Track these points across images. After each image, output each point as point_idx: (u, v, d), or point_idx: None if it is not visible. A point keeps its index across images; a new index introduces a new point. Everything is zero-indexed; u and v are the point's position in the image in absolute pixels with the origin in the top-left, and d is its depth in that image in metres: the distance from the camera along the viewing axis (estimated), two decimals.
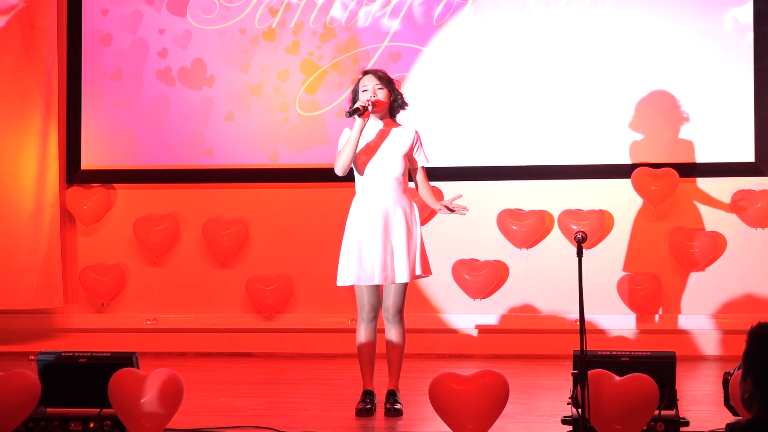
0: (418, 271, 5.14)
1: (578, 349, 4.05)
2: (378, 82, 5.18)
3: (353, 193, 5.27)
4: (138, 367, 4.58)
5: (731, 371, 4.47)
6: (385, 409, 5.15)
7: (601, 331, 6.94)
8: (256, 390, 5.97)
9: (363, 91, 5.20)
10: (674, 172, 6.89)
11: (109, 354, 4.64)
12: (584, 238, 4.19)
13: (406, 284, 5.18)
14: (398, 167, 5.18)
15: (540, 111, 7.09)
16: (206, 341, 7.29)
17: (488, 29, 7.16)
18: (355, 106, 5.08)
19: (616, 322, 6.98)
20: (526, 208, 7.08)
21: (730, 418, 4.44)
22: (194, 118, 7.38)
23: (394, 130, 5.25)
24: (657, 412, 4.25)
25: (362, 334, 5.22)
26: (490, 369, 4.49)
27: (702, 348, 6.92)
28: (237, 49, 7.36)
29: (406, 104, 5.31)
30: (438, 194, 7.05)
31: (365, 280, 5.11)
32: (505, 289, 7.09)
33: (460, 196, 5.29)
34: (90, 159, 7.46)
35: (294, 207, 7.30)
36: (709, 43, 6.98)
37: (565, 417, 4.40)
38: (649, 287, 6.87)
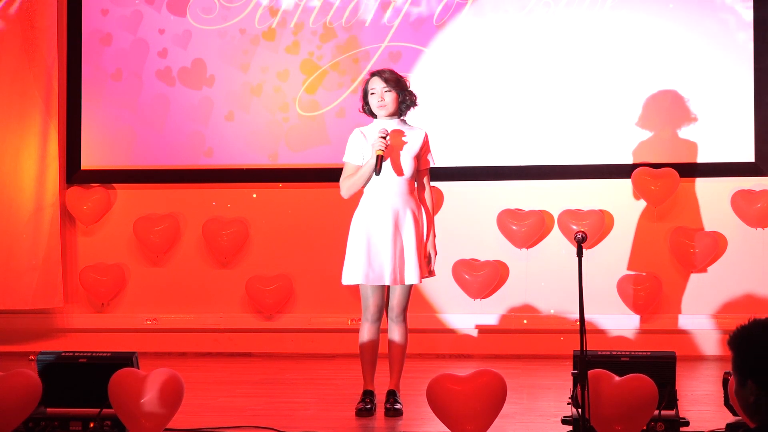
0: (425, 273, 5.18)
1: (578, 349, 4.05)
2: (385, 85, 5.18)
3: (354, 194, 5.26)
4: (138, 367, 4.58)
5: (731, 371, 4.46)
6: (385, 408, 5.15)
7: (601, 331, 6.94)
8: (256, 390, 5.97)
9: (371, 94, 5.20)
10: (674, 172, 6.89)
11: (109, 354, 4.64)
12: (584, 238, 4.19)
13: (411, 285, 5.20)
14: (408, 169, 5.19)
15: (540, 111, 7.09)
16: (206, 341, 7.29)
17: (488, 29, 7.16)
18: (377, 159, 5.04)
19: (616, 322, 6.98)
20: (526, 208, 7.08)
21: (730, 418, 4.43)
22: (194, 118, 7.38)
23: (405, 131, 5.24)
24: (657, 412, 4.25)
25: (365, 335, 5.22)
26: (487, 368, 4.48)
27: (702, 348, 6.92)
28: (237, 49, 7.36)
29: (416, 103, 5.29)
30: (438, 195, 7.07)
31: (374, 280, 5.11)
32: (505, 289, 7.09)
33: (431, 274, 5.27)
34: (90, 159, 7.46)
35: (294, 207, 7.30)
36: (709, 43, 6.98)
37: (565, 417, 4.40)
38: (649, 287, 6.87)
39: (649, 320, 6.95)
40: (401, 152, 5.19)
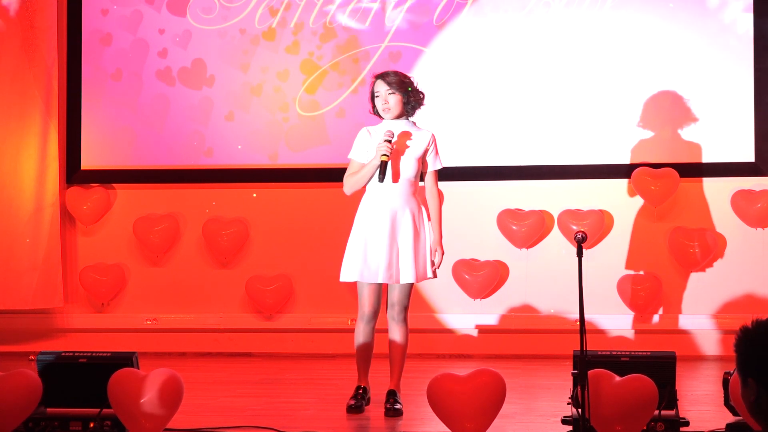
0: (429, 274, 5.20)
1: (578, 349, 4.05)
2: (389, 88, 5.19)
3: (354, 194, 5.28)
4: (138, 367, 4.57)
5: (731, 371, 4.46)
6: (385, 408, 5.16)
7: (601, 331, 6.94)
8: (256, 390, 5.97)
9: (376, 97, 5.23)
10: (674, 172, 6.89)
11: (109, 354, 4.64)
12: (584, 238, 4.19)
13: (412, 284, 5.22)
14: (411, 170, 5.21)
15: (540, 111, 7.09)
16: (206, 341, 7.29)
17: (488, 29, 7.16)
18: (380, 164, 5.07)
19: (616, 322, 6.99)
20: (526, 208, 7.08)
21: (730, 418, 4.43)
22: (194, 118, 7.38)
23: (409, 132, 5.25)
24: (657, 412, 4.25)
25: (360, 334, 5.25)
26: (486, 368, 4.49)
27: (702, 348, 6.92)
28: (237, 49, 7.36)
29: (422, 103, 5.30)
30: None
31: (368, 278, 5.14)
32: (505, 289, 7.09)
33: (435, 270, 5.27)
34: (90, 159, 7.46)
35: (294, 207, 7.30)
36: (709, 43, 6.98)
37: (565, 417, 4.40)
38: (649, 287, 6.87)
39: (649, 320, 6.95)
40: (405, 153, 5.20)
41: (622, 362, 4.41)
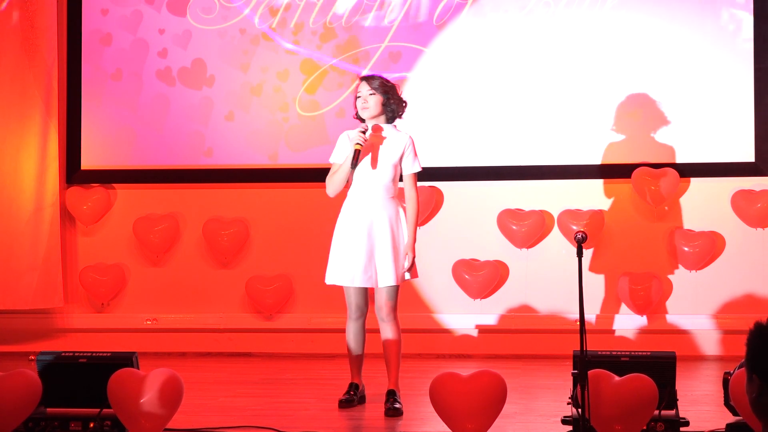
0: (406, 276, 5.27)
1: (578, 349, 4.05)
2: (370, 88, 5.29)
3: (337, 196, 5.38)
4: (138, 367, 4.57)
5: (731, 371, 4.46)
6: (385, 408, 5.18)
7: (602, 331, 6.93)
8: (256, 390, 5.97)
9: (358, 97, 5.33)
10: (674, 172, 6.89)
11: (109, 354, 4.64)
12: (584, 238, 4.19)
13: (397, 287, 5.28)
14: (386, 175, 5.29)
15: (540, 111, 7.09)
16: (206, 341, 7.29)
17: (488, 29, 7.16)
18: (353, 152, 5.19)
19: (617, 322, 6.98)
20: (526, 208, 7.08)
21: (730, 418, 4.43)
22: (194, 118, 7.38)
23: (388, 138, 5.31)
24: (657, 412, 4.25)
25: (350, 333, 5.38)
26: (487, 369, 4.50)
27: (702, 348, 6.92)
28: (237, 49, 7.36)
29: (402, 110, 5.38)
30: (438, 195, 7.08)
31: (347, 282, 5.27)
32: (505, 289, 7.09)
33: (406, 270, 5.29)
34: (90, 159, 7.46)
35: (294, 207, 7.30)
36: (709, 43, 6.98)
37: (565, 417, 4.40)
38: (649, 287, 6.86)
39: (649, 320, 6.95)
40: (381, 157, 5.27)
41: (622, 362, 4.41)
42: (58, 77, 7.33)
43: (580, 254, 4.13)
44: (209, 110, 7.37)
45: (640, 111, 7.01)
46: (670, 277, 6.97)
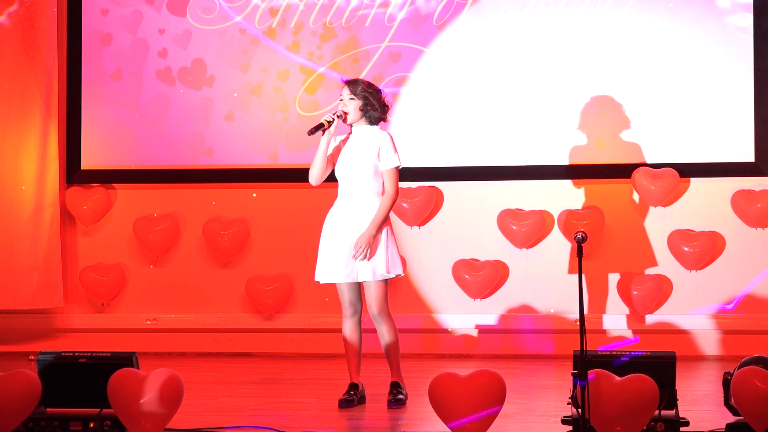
0: (380, 271, 5.29)
1: (578, 349, 4.05)
2: (350, 94, 5.39)
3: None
4: (138, 367, 4.57)
5: (731, 371, 4.47)
6: (388, 399, 5.29)
7: (601, 331, 6.94)
8: (256, 390, 5.97)
9: (339, 101, 5.45)
10: (674, 172, 6.89)
11: (109, 354, 4.64)
12: (584, 238, 4.19)
13: (384, 283, 5.34)
14: (366, 172, 5.37)
15: (540, 111, 7.09)
16: (206, 341, 7.29)
17: (488, 29, 7.16)
18: (317, 123, 5.38)
19: (616, 322, 6.98)
20: (526, 208, 7.08)
21: (730, 418, 4.44)
22: (194, 118, 7.38)
23: (364, 137, 5.42)
24: (657, 412, 4.25)
25: (346, 330, 5.44)
26: (486, 369, 4.50)
27: (702, 348, 6.92)
28: (237, 49, 7.36)
29: (384, 114, 5.44)
30: (438, 195, 7.08)
31: (330, 278, 5.38)
32: (505, 289, 7.09)
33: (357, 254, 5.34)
34: (90, 159, 7.46)
35: (294, 207, 7.30)
36: (709, 43, 6.98)
37: (565, 417, 4.40)
38: (649, 287, 6.87)
39: (648, 320, 6.94)
40: (360, 157, 5.37)
41: (622, 362, 4.41)
42: (58, 77, 7.34)
43: (580, 254, 4.13)
44: (209, 110, 7.37)
45: (640, 111, 7.01)
46: (670, 277, 6.97)
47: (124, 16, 7.44)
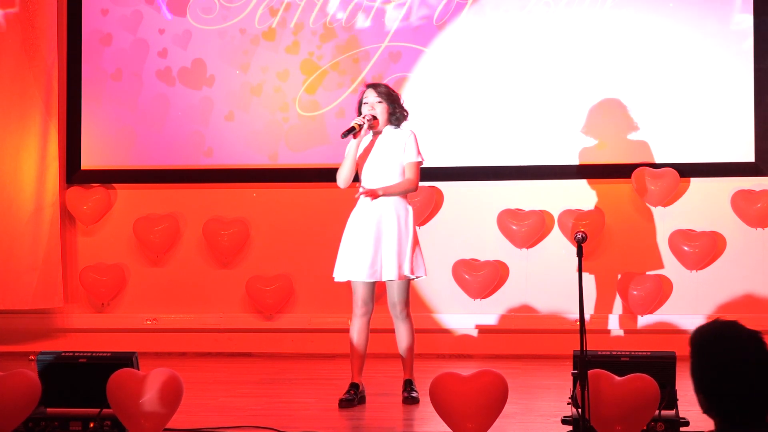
0: (405, 272, 5.35)
1: (578, 349, 4.05)
2: (377, 96, 5.45)
3: (353, 194, 5.41)
4: (138, 367, 4.58)
5: None
6: (403, 396, 5.36)
7: (601, 331, 6.93)
8: (256, 390, 5.97)
9: (364, 104, 5.48)
10: (674, 172, 6.89)
11: (109, 354, 4.64)
12: (584, 238, 4.19)
13: (407, 282, 5.40)
14: (393, 172, 5.44)
15: (540, 111, 7.09)
16: (206, 341, 7.29)
17: (488, 29, 7.16)
18: (349, 126, 5.38)
19: (616, 322, 6.98)
20: (526, 208, 7.08)
21: None
22: (194, 118, 7.38)
23: (390, 138, 5.48)
24: (657, 412, 4.25)
25: (354, 330, 5.45)
26: (488, 369, 4.51)
27: None
28: (237, 49, 7.36)
29: (405, 117, 5.55)
30: (438, 195, 7.09)
31: (355, 276, 5.38)
32: (505, 289, 7.09)
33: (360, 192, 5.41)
34: (90, 159, 7.46)
35: (294, 207, 7.30)
36: (709, 43, 6.98)
37: (565, 417, 4.40)
38: (649, 287, 6.86)
39: (649, 320, 6.94)
40: (386, 157, 5.43)
41: (622, 362, 4.41)
42: (58, 77, 7.33)
43: (580, 254, 4.14)
44: (209, 110, 7.37)
45: (640, 111, 7.01)
46: (670, 277, 6.97)
47: (124, 16, 7.44)
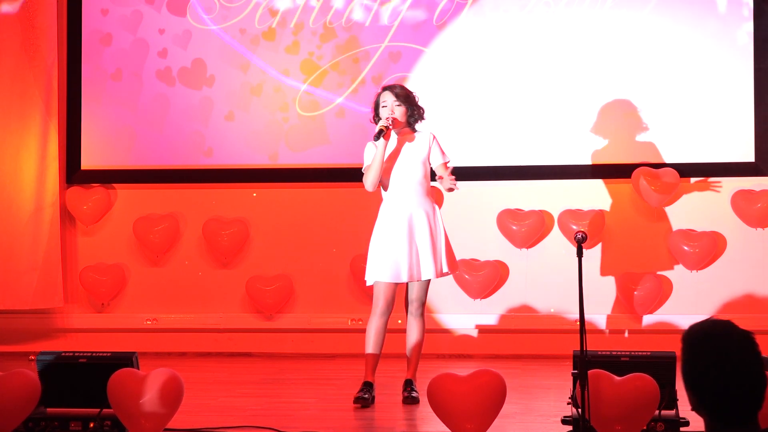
0: (445, 269, 5.45)
1: (578, 349, 4.05)
2: (396, 99, 5.51)
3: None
4: (138, 367, 4.57)
5: None
6: (403, 396, 5.35)
7: (601, 331, 6.94)
8: (256, 390, 5.97)
9: (383, 107, 5.53)
10: (674, 172, 6.89)
11: (109, 354, 4.64)
12: (584, 238, 4.19)
13: (429, 280, 5.47)
14: (418, 173, 5.50)
15: (540, 111, 7.09)
16: (206, 341, 7.29)
17: (488, 29, 7.16)
18: (378, 129, 5.41)
19: (616, 322, 6.98)
20: (526, 208, 7.08)
21: None
22: (194, 118, 7.38)
23: (413, 139, 5.55)
24: (657, 412, 4.25)
25: (372, 328, 5.44)
26: (486, 368, 4.50)
27: None
28: (237, 49, 7.36)
29: (423, 117, 5.63)
30: (438, 195, 7.08)
31: (393, 278, 5.39)
32: (505, 289, 7.09)
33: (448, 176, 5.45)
34: (90, 159, 7.46)
35: (294, 207, 7.30)
36: (709, 43, 6.98)
37: (565, 417, 4.40)
38: (649, 287, 6.87)
39: (649, 320, 6.94)
40: (410, 158, 5.49)
41: (622, 362, 4.41)
42: (58, 77, 7.33)
43: (580, 254, 4.13)
44: (209, 110, 7.37)
45: (640, 111, 7.01)
46: (670, 277, 6.97)
47: (124, 16, 7.44)
